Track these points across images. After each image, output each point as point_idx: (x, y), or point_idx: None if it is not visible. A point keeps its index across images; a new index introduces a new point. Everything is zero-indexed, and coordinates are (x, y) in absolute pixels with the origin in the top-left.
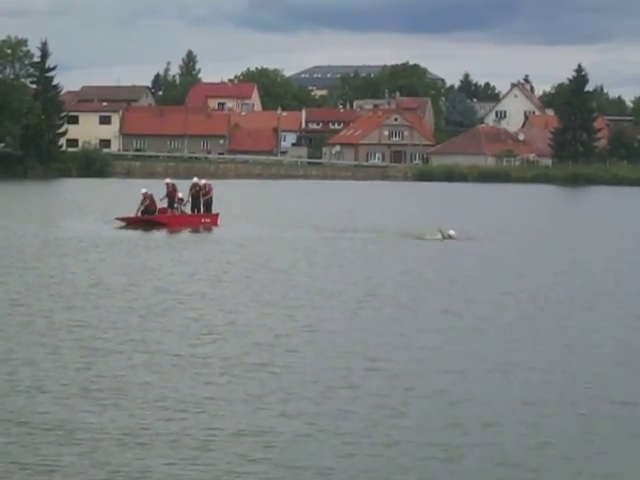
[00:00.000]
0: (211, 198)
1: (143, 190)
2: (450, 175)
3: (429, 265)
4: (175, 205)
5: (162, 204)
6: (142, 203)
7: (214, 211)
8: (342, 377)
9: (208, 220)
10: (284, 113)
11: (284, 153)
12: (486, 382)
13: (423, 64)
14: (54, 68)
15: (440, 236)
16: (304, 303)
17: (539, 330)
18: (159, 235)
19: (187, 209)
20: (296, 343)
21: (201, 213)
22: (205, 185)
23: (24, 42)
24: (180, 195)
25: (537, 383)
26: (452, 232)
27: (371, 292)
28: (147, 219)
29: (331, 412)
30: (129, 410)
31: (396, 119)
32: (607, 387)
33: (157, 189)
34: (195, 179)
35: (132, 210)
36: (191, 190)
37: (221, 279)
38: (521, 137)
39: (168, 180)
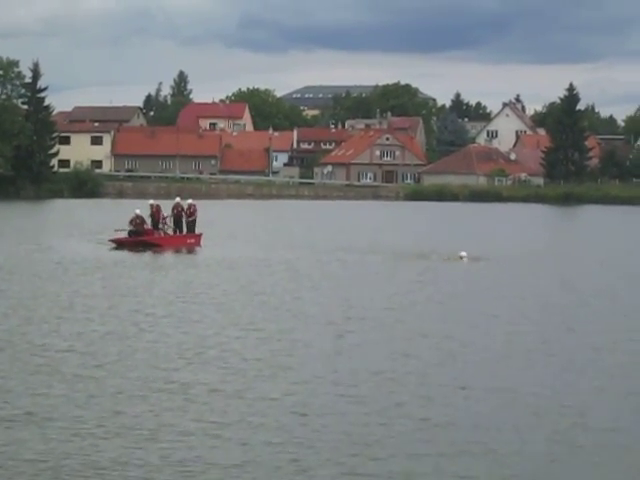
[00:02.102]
0: (195, 219)
1: (137, 211)
2: (441, 195)
3: (417, 286)
4: (159, 226)
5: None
6: (130, 223)
7: (197, 232)
8: (315, 404)
9: (192, 240)
10: (275, 133)
11: (276, 173)
12: (468, 407)
13: (414, 84)
14: (45, 89)
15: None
16: (284, 326)
17: (524, 353)
18: (144, 256)
19: (169, 230)
20: (271, 368)
21: (184, 234)
22: (190, 206)
23: (16, 63)
24: (164, 214)
25: (520, 408)
26: (463, 253)
27: (354, 315)
28: (138, 240)
29: (303, 441)
30: (92, 439)
31: (388, 139)
32: (592, 413)
33: (148, 209)
34: (177, 199)
35: (124, 228)
36: (173, 210)
37: (200, 302)
38: (512, 156)
39: (152, 201)
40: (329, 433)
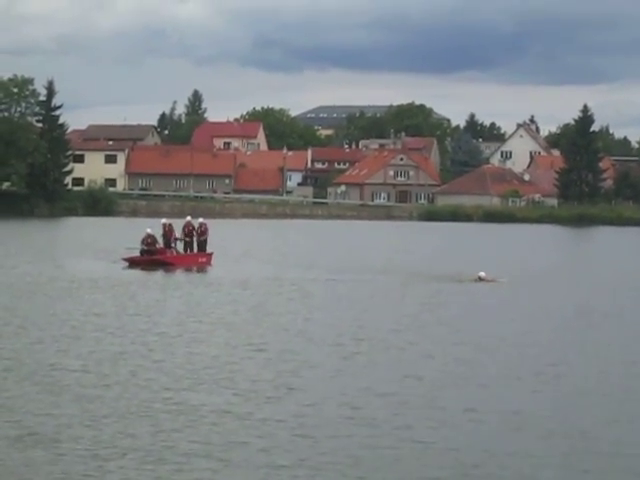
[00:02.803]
0: (206, 238)
1: (148, 230)
2: (455, 215)
3: (429, 308)
4: (172, 245)
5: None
6: (142, 242)
7: (209, 251)
8: (322, 426)
9: (203, 260)
10: (290, 153)
11: (290, 193)
12: (475, 431)
13: (429, 104)
14: (60, 107)
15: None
16: (294, 347)
17: (533, 376)
18: (155, 276)
19: (180, 248)
20: (279, 389)
21: (194, 252)
22: (201, 225)
23: (30, 81)
24: (177, 235)
25: (529, 432)
26: (482, 274)
27: (364, 336)
28: (150, 259)
29: (309, 464)
30: (99, 461)
31: (402, 159)
32: (601, 438)
33: (161, 229)
34: (188, 218)
35: (135, 247)
36: (184, 229)
37: (210, 322)
38: (526, 177)
39: (164, 220)
40: (336, 456)
